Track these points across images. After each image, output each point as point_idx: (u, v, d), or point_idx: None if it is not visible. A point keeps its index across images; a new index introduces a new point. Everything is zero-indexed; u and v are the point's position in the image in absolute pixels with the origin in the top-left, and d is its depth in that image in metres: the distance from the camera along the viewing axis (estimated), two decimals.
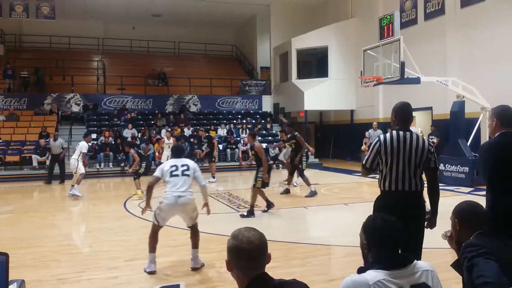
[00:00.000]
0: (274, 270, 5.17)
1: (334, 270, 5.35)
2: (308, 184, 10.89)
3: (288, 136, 11.25)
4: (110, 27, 26.56)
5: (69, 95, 20.88)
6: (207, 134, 15.93)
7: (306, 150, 11.26)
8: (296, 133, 11.05)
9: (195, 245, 5.39)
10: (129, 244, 6.48)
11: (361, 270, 2.16)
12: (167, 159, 15.89)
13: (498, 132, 3.37)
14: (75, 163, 11.31)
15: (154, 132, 19.39)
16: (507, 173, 3.19)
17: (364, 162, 3.66)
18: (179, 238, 6.84)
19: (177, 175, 5.35)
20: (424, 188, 3.63)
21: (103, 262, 5.65)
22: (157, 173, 5.49)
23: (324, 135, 23.71)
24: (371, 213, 3.63)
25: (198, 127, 18.54)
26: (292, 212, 9.09)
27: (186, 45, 27.19)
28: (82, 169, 11.45)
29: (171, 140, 16.18)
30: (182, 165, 5.43)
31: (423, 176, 3.61)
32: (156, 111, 21.42)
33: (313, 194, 10.66)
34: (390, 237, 2.21)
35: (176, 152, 5.69)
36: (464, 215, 2.70)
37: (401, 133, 3.56)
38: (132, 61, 25.42)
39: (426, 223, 3.65)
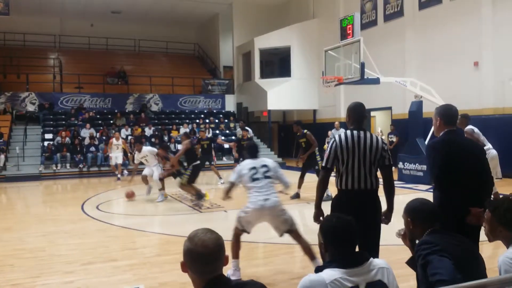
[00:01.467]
0: None
1: (296, 269, 5.35)
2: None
3: (298, 134, 10.46)
4: (67, 24, 25.78)
5: (24, 94, 20.11)
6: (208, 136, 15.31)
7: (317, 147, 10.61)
8: (306, 130, 10.33)
9: (309, 253, 4.69)
10: (86, 248, 6.27)
11: (318, 270, 2.18)
12: (116, 160, 15.29)
13: (442, 130, 3.48)
14: None
15: (113, 132, 18.93)
16: (453, 170, 3.28)
17: (324, 164, 3.65)
18: (140, 240, 6.70)
19: (258, 179, 4.77)
20: (380, 185, 3.69)
21: (59, 266, 5.44)
22: (232, 178, 4.93)
23: (287, 134, 23.86)
24: (333, 211, 3.69)
25: (201, 128, 18.09)
26: None
27: (147, 43, 26.74)
28: None
29: (120, 141, 15.75)
30: (262, 166, 4.83)
31: (379, 174, 3.66)
32: (116, 111, 20.94)
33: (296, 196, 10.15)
34: (346, 236, 2.24)
35: (251, 152, 5.01)
36: (416, 212, 2.75)
37: (355, 132, 3.62)
38: (90, 59, 24.75)
39: (382, 218, 3.71)
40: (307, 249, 4.68)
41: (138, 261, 5.59)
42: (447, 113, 3.53)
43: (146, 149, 10.82)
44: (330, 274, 2.10)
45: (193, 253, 1.84)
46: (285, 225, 4.76)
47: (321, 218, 3.70)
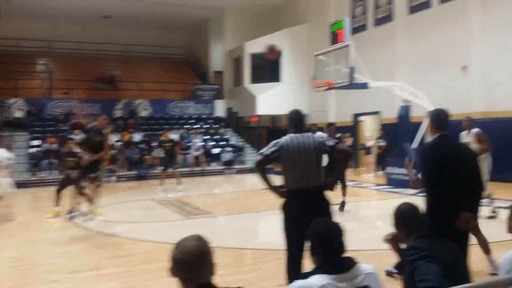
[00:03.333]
0: (224, 277, 5.06)
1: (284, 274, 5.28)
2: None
3: (378, 136, 9.68)
4: (58, 29, 25.55)
5: (12, 100, 19.85)
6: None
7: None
8: (339, 134, 9.83)
9: (485, 247, 4.92)
10: (72, 256, 6.16)
11: (306, 276, 2.17)
12: None
13: (435, 134, 3.46)
14: None
15: None
16: (443, 175, 3.26)
17: (263, 150, 3.76)
18: (127, 248, 6.59)
19: None
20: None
21: (44, 275, 5.33)
22: None
23: (277, 139, 23.82)
24: (285, 214, 3.70)
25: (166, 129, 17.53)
26: (244, 218, 8.98)
27: (137, 48, 26.60)
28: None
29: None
30: None
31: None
32: (105, 116, 20.72)
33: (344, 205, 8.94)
34: (333, 241, 2.24)
35: None
36: (403, 217, 2.73)
37: (295, 135, 3.78)
38: (80, 64, 24.55)
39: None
40: (483, 243, 4.85)
41: (124, 269, 5.49)
42: (438, 118, 3.53)
43: None
44: (318, 280, 2.10)
45: (176, 260, 1.88)
46: None
47: (281, 190, 3.78)
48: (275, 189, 3.80)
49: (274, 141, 3.82)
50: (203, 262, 1.86)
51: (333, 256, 2.21)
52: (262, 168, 3.81)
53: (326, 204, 3.74)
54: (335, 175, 3.93)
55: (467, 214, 3.19)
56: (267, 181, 3.81)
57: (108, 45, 25.93)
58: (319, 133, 12.40)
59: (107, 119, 9.46)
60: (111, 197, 12.31)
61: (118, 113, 21.68)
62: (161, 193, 12.71)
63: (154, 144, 19.11)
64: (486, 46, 13.21)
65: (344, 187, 8.59)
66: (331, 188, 3.84)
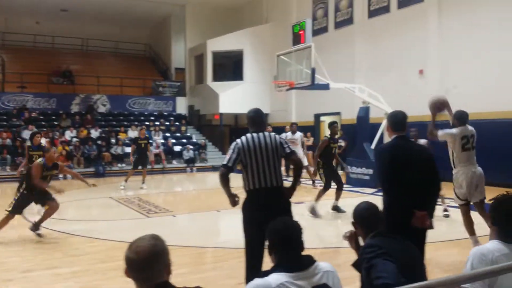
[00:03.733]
0: (185, 276, 5.03)
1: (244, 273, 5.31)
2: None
3: (336, 137, 8.88)
4: (12, 21, 24.57)
5: None
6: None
7: None
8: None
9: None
10: (26, 255, 5.97)
11: (264, 274, 2.17)
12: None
13: (392, 136, 3.58)
14: None
15: (58, 133, 18.21)
16: (399, 174, 3.37)
17: (226, 162, 3.76)
18: (83, 247, 6.43)
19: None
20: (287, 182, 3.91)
21: None
22: None
23: (239, 137, 23.86)
24: (245, 214, 3.73)
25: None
26: (205, 216, 8.95)
27: (96, 42, 25.97)
28: None
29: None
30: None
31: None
32: (61, 111, 20.13)
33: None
34: (291, 240, 2.25)
35: None
36: (361, 215, 2.79)
37: (254, 134, 3.81)
38: (35, 57, 23.72)
39: (285, 192, 3.85)
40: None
41: (81, 268, 5.36)
42: (394, 120, 3.64)
43: None
44: (276, 278, 2.10)
45: (127, 260, 1.84)
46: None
47: (236, 199, 3.81)
48: (231, 197, 3.82)
49: (233, 144, 3.82)
50: (157, 262, 1.83)
51: (291, 254, 2.22)
52: (227, 180, 3.78)
53: (286, 203, 3.77)
54: (293, 184, 3.93)
55: (422, 212, 3.30)
56: (228, 191, 3.81)
57: (66, 38, 25.16)
58: (298, 133, 12.19)
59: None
60: (67, 195, 11.96)
61: (75, 108, 21.10)
62: (123, 191, 12.44)
63: (113, 140, 18.74)
64: (442, 50, 13.70)
65: (329, 188, 8.47)
66: (288, 196, 3.88)
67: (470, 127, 5.67)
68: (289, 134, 13.02)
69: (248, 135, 3.82)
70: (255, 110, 4.00)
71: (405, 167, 3.39)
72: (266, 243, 2.33)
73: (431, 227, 3.41)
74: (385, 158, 3.49)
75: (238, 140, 3.81)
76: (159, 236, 1.93)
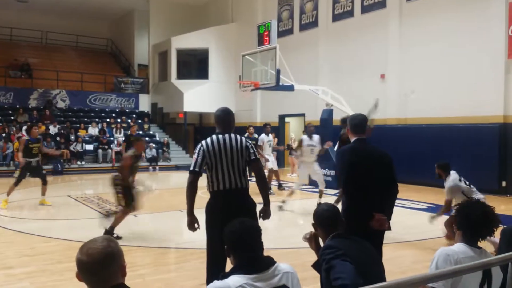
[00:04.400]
0: (145, 277, 4.97)
1: (205, 274, 5.29)
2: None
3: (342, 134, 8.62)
4: None
5: None
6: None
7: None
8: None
9: None
10: None
11: (224, 276, 2.16)
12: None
13: (353, 138, 3.66)
14: None
15: (14, 129, 17.56)
16: (358, 176, 3.45)
17: (192, 167, 3.70)
18: (39, 246, 6.23)
19: None
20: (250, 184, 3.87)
21: None
22: None
23: (204, 137, 23.58)
24: (208, 216, 3.71)
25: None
26: (167, 216, 8.85)
27: (55, 35, 25.18)
28: None
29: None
30: None
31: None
32: (18, 106, 19.44)
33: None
34: (250, 241, 2.25)
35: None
36: (320, 217, 2.83)
37: (220, 136, 3.77)
38: None
39: (260, 215, 3.82)
40: None
41: (36, 268, 5.21)
42: (353, 123, 3.71)
43: None
44: (236, 280, 2.10)
45: (80, 263, 1.77)
46: None
47: (195, 225, 3.75)
48: (190, 217, 3.75)
49: (197, 147, 3.76)
50: (111, 264, 1.77)
51: (250, 256, 2.21)
52: (195, 188, 3.73)
53: (250, 205, 3.75)
54: (264, 201, 3.86)
55: (381, 215, 3.38)
56: (191, 205, 3.75)
57: (24, 30, 24.27)
58: (316, 136, 11.38)
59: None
60: (22, 192, 11.56)
61: (33, 103, 20.41)
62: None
63: (72, 137, 18.25)
64: (401, 55, 14.09)
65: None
66: (266, 217, 3.83)
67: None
68: (305, 138, 9.75)
69: (214, 136, 3.77)
70: (223, 109, 3.94)
71: (364, 170, 3.46)
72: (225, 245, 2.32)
73: (389, 228, 3.49)
74: (344, 160, 3.55)
75: (203, 142, 3.76)
76: (111, 237, 1.89)
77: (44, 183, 9.57)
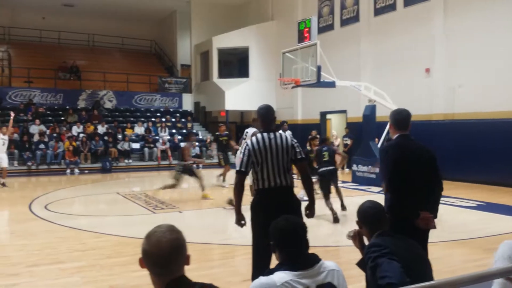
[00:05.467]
0: (190, 272, 5.05)
1: (250, 270, 5.34)
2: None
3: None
4: (18, 16, 24.68)
5: None
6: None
7: None
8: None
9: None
10: (33, 249, 6.01)
11: (269, 272, 2.17)
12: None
13: (395, 134, 3.57)
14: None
15: (64, 128, 18.31)
16: (402, 173, 3.37)
17: (239, 167, 3.74)
18: (90, 242, 6.48)
19: None
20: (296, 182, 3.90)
21: (3, 269, 5.19)
22: None
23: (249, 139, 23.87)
24: (254, 214, 3.73)
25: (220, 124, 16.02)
26: (211, 213, 8.99)
27: (101, 38, 26.01)
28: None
29: (6, 136, 13.19)
30: None
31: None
32: (67, 107, 20.24)
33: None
34: (295, 238, 2.24)
35: None
36: (365, 214, 2.79)
37: (265, 135, 3.77)
38: (42, 52, 23.79)
39: (306, 213, 3.83)
40: None
41: (86, 263, 5.40)
42: (397, 118, 3.61)
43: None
44: (281, 276, 2.10)
45: (148, 254, 1.75)
46: None
47: (242, 222, 3.78)
48: (238, 216, 3.79)
49: (243, 147, 3.80)
50: (178, 256, 1.78)
51: (296, 252, 2.21)
52: (242, 188, 3.77)
53: (295, 203, 3.75)
54: (309, 200, 3.87)
55: (427, 213, 3.30)
56: (239, 203, 3.79)
57: (72, 34, 25.25)
58: (288, 132, 11.97)
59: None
60: (74, 190, 12.07)
61: (81, 103, 21.20)
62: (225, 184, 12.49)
63: (119, 136, 18.81)
64: (448, 49, 13.64)
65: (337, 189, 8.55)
66: (310, 215, 3.85)
67: None
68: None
69: (259, 135, 3.78)
70: (265, 106, 3.94)
71: (407, 166, 3.38)
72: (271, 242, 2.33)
73: (434, 227, 3.41)
74: (388, 157, 3.48)
75: (248, 142, 3.78)
76: (175, 227, 1.86)
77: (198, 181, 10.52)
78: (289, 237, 2.24)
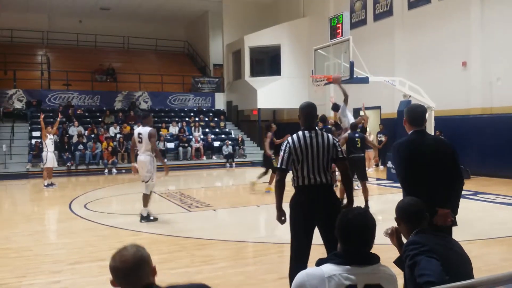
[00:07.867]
0: (225, 269, 5.13)
1: (284, 268, 5.34)
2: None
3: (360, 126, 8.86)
4: (55, 20, 25.51)
5: (11, 91, 19.84)
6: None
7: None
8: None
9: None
10: (74, 247, 6.21)
11: (320, 262, 2.13)
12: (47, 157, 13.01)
13: (410, 130, 3.47)
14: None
15: (102, 130, 18.81)
16: (415, 170, 3.28)
17: (279, 165, 3.73)
18: (128, 240, 6.65)
19: None
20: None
21: (46, 266, 5.37)
22: None
23: (278, 133, 23.84)
24: (293, 211, 3.70)
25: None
26: (244, 211, 9.05)
27: (136, 40, 26.55)
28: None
29: (53, 136, 13.71)
30: None
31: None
32: (104, 108, 20.77)
33: None
34: (355, 232, 2.16)
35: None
36: (406, 211, 2.73)
37: (306, 132, 3.74)
38: (79, 55, 24.52)
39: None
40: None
41: None
42: (411, 114, 3.51)
43: None
44: (331, 268, 2.06)
45: (115, 270, 1.93)
46: None
47: (283, 218, 3.76)
48: (279, 211, 3.79)
49: (284, 144, 3.78)
50: (143, 266, 1.93)
51: (352, 247, 2.14)
52: (283, 185, 3.77)
53: (334, 201, 3.73)
54: (348, 199, 3.83)
55: (444, 210, 3.20)
56: (280, 200, 3.79)
57: (107, 37, 25.89)
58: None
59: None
60: (112, 189, 12.39)
61: (118, 105, 21.71)
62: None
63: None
64: (485, 41, 13.22)
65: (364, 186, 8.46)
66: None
67: None
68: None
69: (300, 133, 3.76)
70: (308, 103, 3.91)
71: (422, 163, 3.28)
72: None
73: (454, 224, 3.30)
74: (402, 154, 3.39)
75: (289, 139, 3.76)
76: (138, 244, 2.04)
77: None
78: (349, 230, 2.16)
